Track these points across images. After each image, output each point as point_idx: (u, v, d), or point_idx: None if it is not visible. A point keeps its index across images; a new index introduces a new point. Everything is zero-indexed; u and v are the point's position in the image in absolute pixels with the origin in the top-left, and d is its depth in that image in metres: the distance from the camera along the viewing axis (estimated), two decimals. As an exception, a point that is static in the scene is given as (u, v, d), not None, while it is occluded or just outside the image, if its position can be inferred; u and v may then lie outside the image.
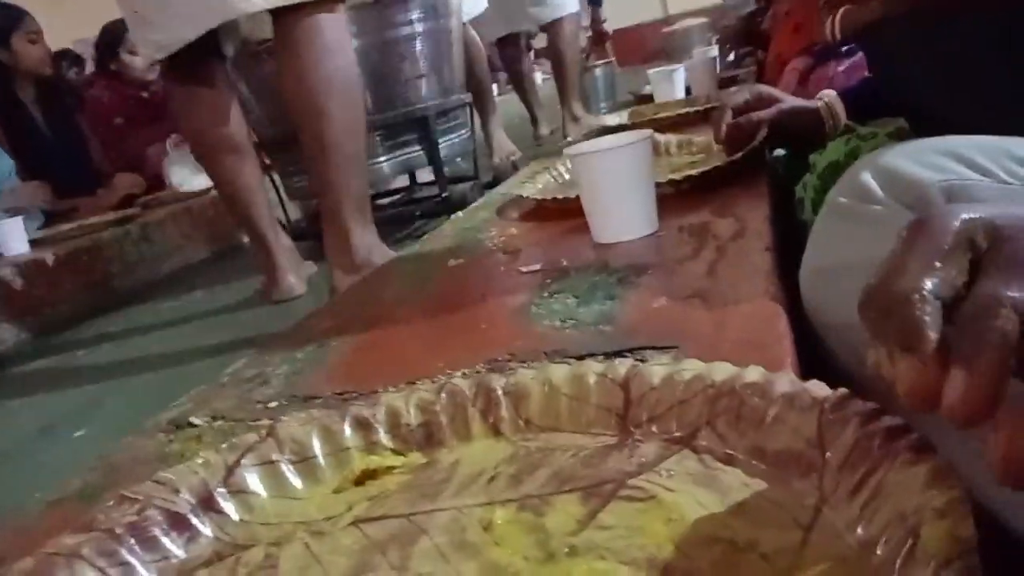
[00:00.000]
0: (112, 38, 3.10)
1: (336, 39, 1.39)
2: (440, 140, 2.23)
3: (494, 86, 6.01)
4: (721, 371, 0.44)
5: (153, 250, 2.50)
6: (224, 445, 0.48)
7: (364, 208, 1.44)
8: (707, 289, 0.68)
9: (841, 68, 1.36)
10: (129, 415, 1.13)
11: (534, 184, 1.28)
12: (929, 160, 0.54)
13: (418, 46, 2.18)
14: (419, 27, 2.17)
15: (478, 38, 2.99)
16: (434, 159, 2.25)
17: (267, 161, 2.25)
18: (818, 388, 0.39)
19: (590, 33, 4.43)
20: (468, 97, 2.46)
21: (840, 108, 1.01)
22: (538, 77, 5.53)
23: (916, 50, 0.70)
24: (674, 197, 1.01)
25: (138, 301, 2.22)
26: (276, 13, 1.38)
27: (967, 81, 0.66)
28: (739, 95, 1.11)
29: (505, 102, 4.54)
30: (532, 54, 4.24)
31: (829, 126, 1.02)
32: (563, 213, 1.06)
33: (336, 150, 1.39)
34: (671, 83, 2.21)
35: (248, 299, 1.91)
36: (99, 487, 0.54)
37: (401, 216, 2.38)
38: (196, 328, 1.82)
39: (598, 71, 3.71)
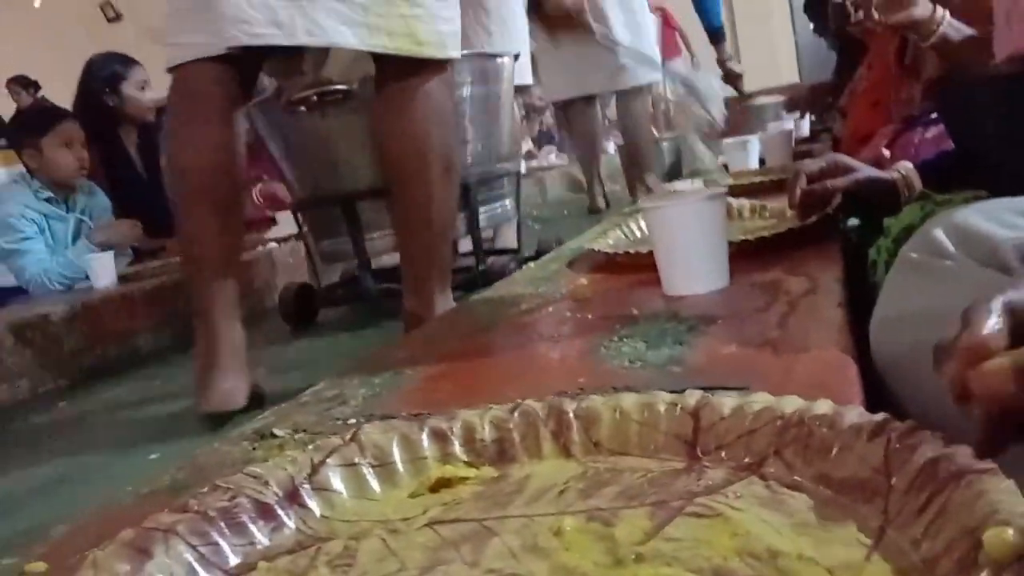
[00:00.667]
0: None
1: (444, 105, 1.35)
2: (481, 209, 2.10)
3: (551, 151, 6.00)
4: (790, 404, 0.45)
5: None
6: (310, 446, 0.51)
7: (447, 277, 1.42)
8: (777, 339, 0.70)
9: (928, 135, 1.37)
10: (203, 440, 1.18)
11: (606, 239, 1.31)
12: (1002, 218, 0.55)
13: (466, 111, 2.04)
14: (466, 91, 2.04)
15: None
16: (473, 229, 2.10)
17: (300, 221, 2.18)
18: (885, 420, 0.40)
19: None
20: (515, 166, 2.34)
21: (916, 179, 1.02)
22: (610, 146, 5.53)
23: (994, 111, 0.71)
24: (746, 256, 1.03)
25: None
26: (381, 62, 1.30)
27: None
28: (815, 163, 1.12)
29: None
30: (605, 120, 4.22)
31: (904, 198, 1.03)
32: (634, 268, 1.08)
33: (431, 220, 1.36)
34: (745, 153, 2.24)
35: (323, 341, 1.97)
36: (187, 484, 0.57)
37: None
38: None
39: (665, 143, 3.75)
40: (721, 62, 3.57)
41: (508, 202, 2.29)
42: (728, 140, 2.33)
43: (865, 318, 0.72)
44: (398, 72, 1.29)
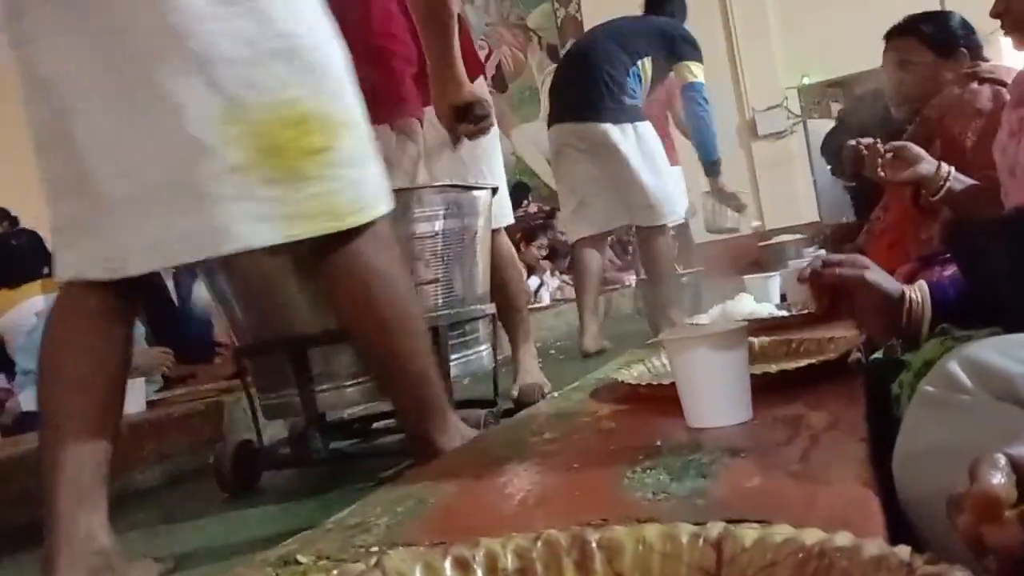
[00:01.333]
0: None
1: (378, 260, 1.27)
2: (452, 356, 1.86)
3: (543, 290, 5.80)
4: (812, 536, 0.46)
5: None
6: (334, 572, 0.52)
7: (444, 410, 1.36)
8: (800, 472, 0.70)
9: (947, 273, 1.39)
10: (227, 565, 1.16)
11: (629, 371, 1.32)
12: (1016, 354, 0.57)
13: (436, 246, 1.86)
14: (438, 224, 1.86)
15: (510, 245, 2.57)
16: (443, 378, 1.65)
17: (245, 372, 1.90)
18: (906, 552, 0.41)
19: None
20: (490, 308, 2.09)
21: (926, 299, 0.98)
22: (630, 279, 5.48)
23: (1003, 252, 0.74)
24: (768, 390, 1.03)
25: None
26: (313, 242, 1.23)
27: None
28: (836, 256, 1.08)
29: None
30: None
31: (908, 312, 0.98)
32: (657, 400, 1.09)
33: (405, 370, 1.32)
34: (766, 290, 2.27)
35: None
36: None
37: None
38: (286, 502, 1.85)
39: (685, 279, 3.65)
40: (719, 191, 3.59)
41: (484, 348, 2.04)
42: (749, 276, 2.37)
43: (889, 453, 0.72)
44: (325, 245, 1.23)
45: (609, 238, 3.63)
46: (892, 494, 0.65)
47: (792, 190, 7.66)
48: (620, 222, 3.36)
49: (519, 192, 7.06)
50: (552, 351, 3.57)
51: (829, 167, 3.63)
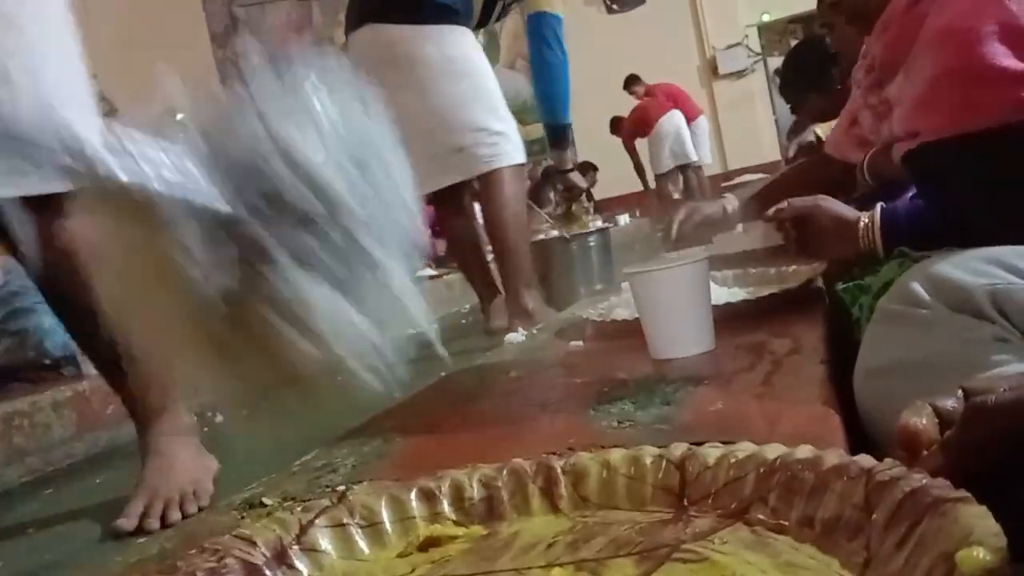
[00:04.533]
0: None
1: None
2: None
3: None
4: (773, 450, 0.46)
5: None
6: (299, 507, 0.51)
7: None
8: (762, 394, 0.70)
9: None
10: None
11: (594, 309, 1.32)
12: (974, 267, 0.57)
13: None
14: None
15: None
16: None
17: None
18: (866, 460, 0.41)
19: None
20: None
21: (878, 219, 0.98)
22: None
23: (962, 171, 0.74)
24: (730, 320, 1.04)
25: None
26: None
27: (1009, 197, 0.70)
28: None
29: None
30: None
31: (864, 235, 0.98)
32: (621, 335, 1.09)
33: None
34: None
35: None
36: (176, 551, 0.57)
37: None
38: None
39: (592, 239, 2.76)
40: (564, 171, 2.56)
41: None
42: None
43: (851, 376, 0.73)
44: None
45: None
46: (853, 415, 0.66)
47: (754, 129, 7.68)
48: (451, 175, 2.23)
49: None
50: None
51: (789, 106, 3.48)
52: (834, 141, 1.31)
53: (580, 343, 1.16)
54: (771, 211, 1.07)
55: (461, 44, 2.17)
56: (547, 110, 2.32)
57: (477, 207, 2.48)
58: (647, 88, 6.87)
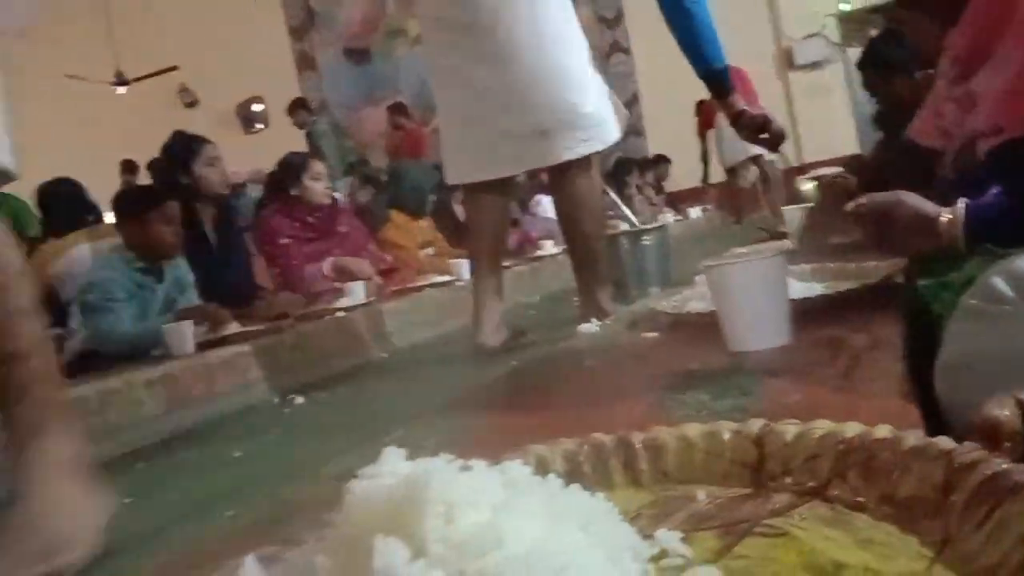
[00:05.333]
0: (298, 165, 3.45)
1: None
2: None
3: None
4: (852, 429, 0.47)
5: (305, 357, 2.67)
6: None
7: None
8: (840, 387, 0.71)
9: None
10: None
11: (668, 302, 1.33)
12: (1059, 262, 0.57)
13: None
14: None
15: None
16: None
17: None
18: (945, 442, 0.42)
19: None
20: None
21: (961, 214, 0.96)
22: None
23: None
24: (808, 314, 1.04)
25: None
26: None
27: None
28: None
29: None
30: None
31: (944, 231, 0.97)
32: (696, 328, 1.10)
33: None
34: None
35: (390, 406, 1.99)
36: (279, 518, 0.61)
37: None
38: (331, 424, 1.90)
39: (648, 238, 2.53)
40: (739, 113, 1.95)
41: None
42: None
43: (931, 373, 0.73)
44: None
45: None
46: (933, 414, 0.66)
47: (831, 121, 7.49)
48: (509, 166, 2.03)
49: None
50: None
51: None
52: (918, 128, 1.29)
53: (654, 334, 1.17)
54: (851, 205, 1.06)
55: (553, 7, 1.92)
56: (708, 57, 1.89)
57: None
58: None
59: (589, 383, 0.96)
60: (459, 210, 4.01)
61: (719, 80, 1.92)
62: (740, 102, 1.93)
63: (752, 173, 6.58)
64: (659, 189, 7.14)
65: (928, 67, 1.71)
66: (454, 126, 2.07)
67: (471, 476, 0.41)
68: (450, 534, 0.36)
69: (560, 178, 2.01)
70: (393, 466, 0.45)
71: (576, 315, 2.06)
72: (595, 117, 1.95)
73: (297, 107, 7.18)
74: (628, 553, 0.40)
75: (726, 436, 0.51)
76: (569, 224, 2.09)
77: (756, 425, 0.51)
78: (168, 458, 1.89)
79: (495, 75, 1.88)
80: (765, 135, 1.90)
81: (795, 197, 2.12)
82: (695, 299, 1.29)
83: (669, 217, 5.03)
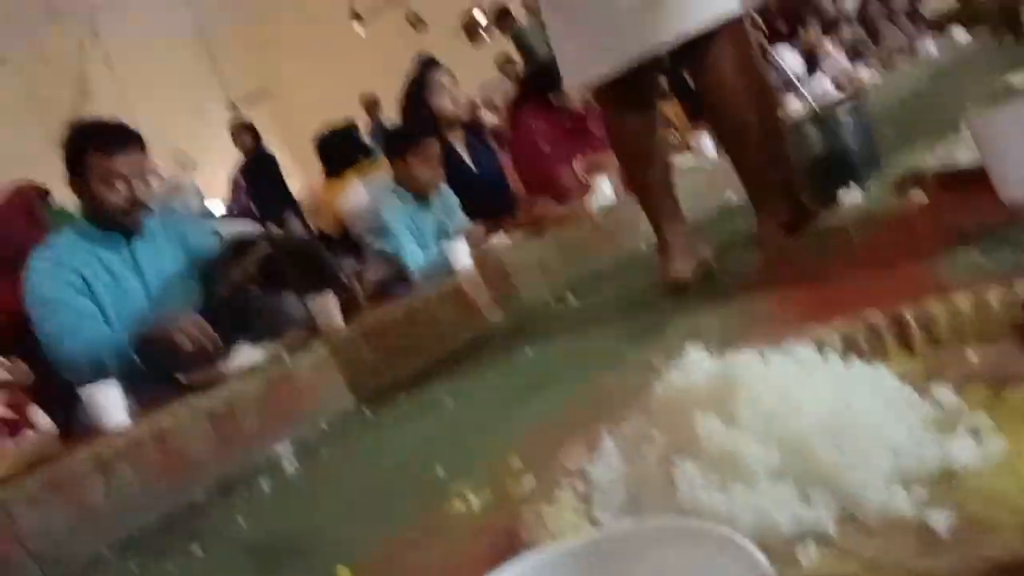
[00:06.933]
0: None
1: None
2: None
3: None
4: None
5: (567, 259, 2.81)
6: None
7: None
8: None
9: None
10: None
11: (934, 156, 1.29)
12: None
13: None
14: None
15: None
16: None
17: None
18: None
19: None
20: None
21: None
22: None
23: None
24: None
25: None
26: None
27: None
28: None
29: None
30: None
31: None
32: (966, 183, 1.07)
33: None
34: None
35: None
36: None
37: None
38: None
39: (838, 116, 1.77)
40: None
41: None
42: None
43: None
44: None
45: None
46: None
47: None
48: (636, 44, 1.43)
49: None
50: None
51: None
52: None
53: (920, 193, 1.16)
54: None
55: None
56: None
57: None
58: None
59: (859, 253, 1.00)
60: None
61: None
62: None
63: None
64: (914, 15, 6.35)
65: None
66: (559, 11, 1.55)
67: (765, 359, 0.51)
68: (756, 407, 0.47)
69: (704, 54, 1.41)
70: (696, 357, 0.56)
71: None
72: None
73: (503, 15, 7.40)
74: (908, 409, 0.48)
75: (995, 302, 0.56)
76: (729, 111, 1.45)
77: (1022, 287, 0.55)
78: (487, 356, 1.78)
79: None
80: None
81: None
82: (963, 149, 1.24)
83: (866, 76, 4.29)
